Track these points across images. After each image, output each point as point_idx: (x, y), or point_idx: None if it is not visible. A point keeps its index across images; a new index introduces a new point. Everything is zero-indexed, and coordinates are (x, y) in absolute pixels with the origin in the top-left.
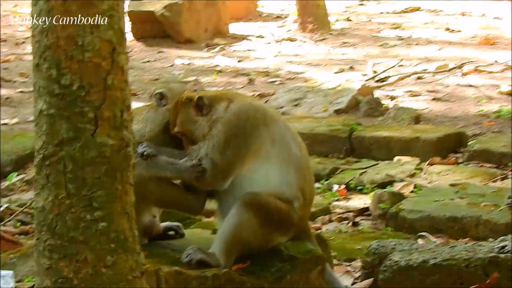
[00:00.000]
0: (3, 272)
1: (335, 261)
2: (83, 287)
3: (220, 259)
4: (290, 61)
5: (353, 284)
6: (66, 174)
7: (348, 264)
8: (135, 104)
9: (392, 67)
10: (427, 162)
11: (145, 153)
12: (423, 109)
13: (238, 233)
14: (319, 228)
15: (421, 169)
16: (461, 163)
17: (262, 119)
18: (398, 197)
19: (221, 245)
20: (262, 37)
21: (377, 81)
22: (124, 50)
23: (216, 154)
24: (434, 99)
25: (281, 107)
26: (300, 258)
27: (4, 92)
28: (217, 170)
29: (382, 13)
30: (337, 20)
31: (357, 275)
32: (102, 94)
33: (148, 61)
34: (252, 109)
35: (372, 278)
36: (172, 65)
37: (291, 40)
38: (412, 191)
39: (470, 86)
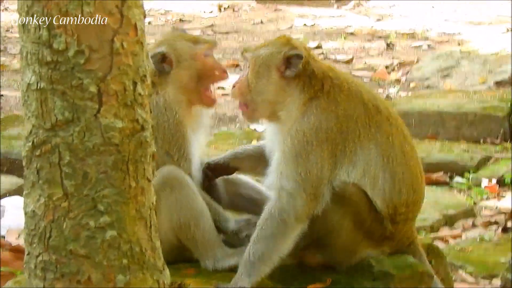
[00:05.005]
0: None
1: (470, 279)
2: None
3: None
4: (445, 20)
5: None
6: (62, 167)
7: (488, 282)
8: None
9: None
10: None
11: None
12: None
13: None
14: (458, 236)
15: None
16: None
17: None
18: None
19: None
20: None
21: None
22: (138, 2)
23: None
24: None
25: (426, 79)
26: (396, 275)
27: None
28: None
29: None
30: None
31: None
32: (108, 61)
33: (261, 22)
34: (361, 111)
35: None
36: (290, 27)
37: None
38: None
39: None
